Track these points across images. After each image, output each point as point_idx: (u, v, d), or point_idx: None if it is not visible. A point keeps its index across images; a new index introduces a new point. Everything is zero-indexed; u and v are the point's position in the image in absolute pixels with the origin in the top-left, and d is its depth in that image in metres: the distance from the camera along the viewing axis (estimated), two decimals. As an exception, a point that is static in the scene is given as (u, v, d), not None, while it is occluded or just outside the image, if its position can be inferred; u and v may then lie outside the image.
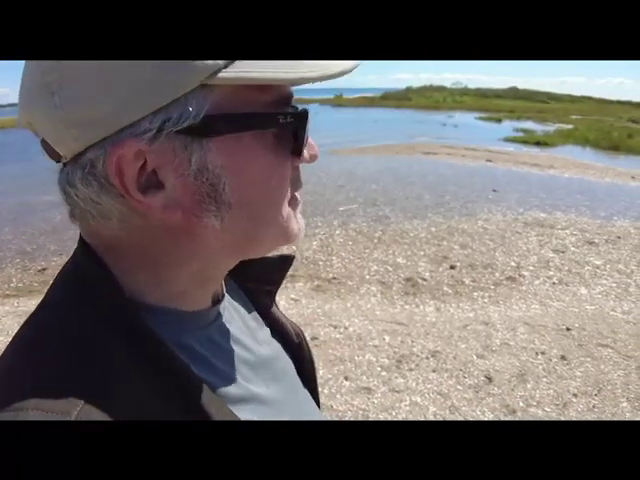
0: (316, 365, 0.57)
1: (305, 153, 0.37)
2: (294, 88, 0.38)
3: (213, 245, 0.35)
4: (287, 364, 0.51)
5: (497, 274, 4.30)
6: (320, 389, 2.22)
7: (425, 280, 4.23)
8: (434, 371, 2.79)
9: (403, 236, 5.42)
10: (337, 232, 5.64)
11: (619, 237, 5.35)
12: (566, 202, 6.86)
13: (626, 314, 3.58)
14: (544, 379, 2.71)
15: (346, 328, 3.38)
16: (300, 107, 0.37)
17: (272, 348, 0.49)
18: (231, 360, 0.40)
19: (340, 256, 4.90)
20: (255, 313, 0.51)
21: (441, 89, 45.23)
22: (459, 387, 2.64)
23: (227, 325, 0.43)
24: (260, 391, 0.41)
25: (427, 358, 2.93)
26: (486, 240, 5.19)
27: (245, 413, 0.37)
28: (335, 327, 3.42)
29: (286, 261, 0.52)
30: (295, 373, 0.51)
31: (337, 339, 3.22)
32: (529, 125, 17.85)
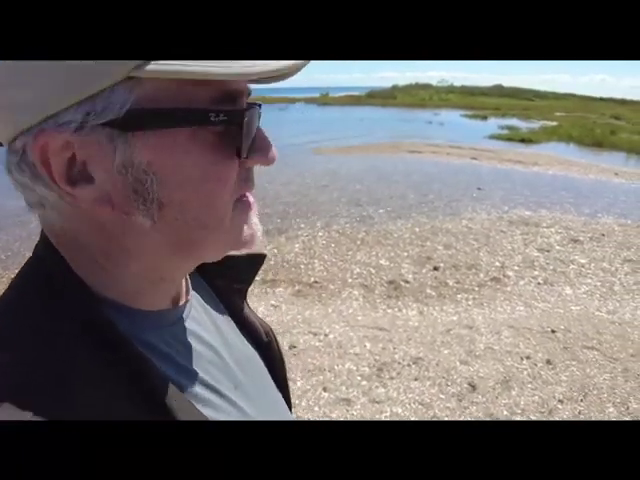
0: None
1: (261, 155, 0.36)
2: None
3: (146, 245, 0.34)
4: (257, 364, 0.50)
5: (481, 275, 4.22)
6: (298, 401, 2.04)
7: (408, 282, 4.12)
8: (416, 379, 2.68)
9: (387, 237, 5.31)
10: (320, 234, 5.51)
11: (603, 235, 5.32)
12: (551, 199, 6.84)
13: (611, 314, 3.52)
14: (529, 385, 2.61)
15: (326, 335, 3.25)
16: (252, 105, 0.35)
17: (242, 348, 0.48)
18: (198, 360, 0.39)
19: (322, 259, 4.77)
20: (225, 313, 0.50)
21: (427, 87, 45.41)
22: (442, 396, 2.53)
23: (194, 325, 0.41)
24: (229, 393, 0.40)
25: (409, 365, 2.82)
26: (470, 240, 5.11)
27: (214, 413, 0.37)
28: (315, 334, 3.28)
29: (256, 260, 0.51)
30: (266, 373, 0.50)
31: (317, 347, 3.09)
32: (514, 122, 17.95)
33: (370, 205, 6.67)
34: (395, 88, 44.95)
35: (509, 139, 13.20)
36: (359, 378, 2.72)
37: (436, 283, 4.08)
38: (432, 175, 8.55)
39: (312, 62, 0.34)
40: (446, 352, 2.94)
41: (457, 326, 3.29)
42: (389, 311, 3.63)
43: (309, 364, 2.88)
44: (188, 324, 0.41)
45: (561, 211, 6.26)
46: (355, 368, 2.82)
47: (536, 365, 2.79)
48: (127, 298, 0.36)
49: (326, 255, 4.86)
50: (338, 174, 8.84)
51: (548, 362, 2.81)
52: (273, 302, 3.91)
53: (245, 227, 0.37)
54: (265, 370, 0.51)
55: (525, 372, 2.73)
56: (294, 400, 2.53)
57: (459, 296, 3.82)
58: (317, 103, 34.45)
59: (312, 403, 2.51)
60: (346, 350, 3.03)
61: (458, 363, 2.82)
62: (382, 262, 4.61)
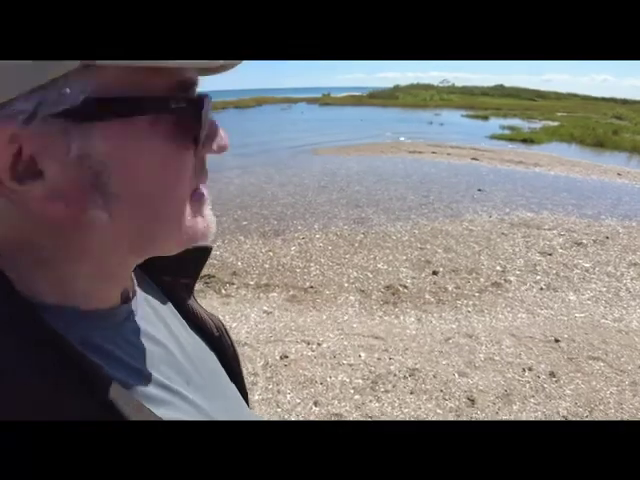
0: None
1: (214, 143, 0.35)
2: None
3: (104, 241, 0.32)
4: (208, 358, 0.49)
5: (482, 279, 4.08)
6: (287, 416, 1.89)
7: (406, 287, 3.98)
8: (412, 393, 2.54)
9: (385, 239, 5.18)
10: (317, 236, 5.38)
11: (607, 237, 5.17)
12: (553, 201, 6.70)
13: (617, 322, 3.38)
14: (531, 399, 2.47)
15: (319, 344, 3.12)
16: (206, 95, 0.34)
17: (191, 343, 0.46)
18: (147, 358, 0.38)
19: (319, 262, 4.64)
20: (172, 308, 0.49)
21: (428, 87, 45.17)
22: (439, 411, 2.39)
23: (142, 323, 0.40)
24: (181, 389, 0.39)
25: (405, 377, 2.68)
26: (471, 243, 4.97)
27: (166, 411, 0.35)
28: (308, 343, 3.15)
29: (203, 253, 0.50)
30: (218, 367, 0.50)
31: (309, 357, 2.96)
32: (515, 122, 17.76)
33: (369, 206, 6.54)
34: (396, 88, 44.79)
35: (511, 139, 13.04)
36: (352, 391, 2.59)
37: (435, 288, 3.94)
38: (432, 176, 8.42)
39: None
40: (444, 363, 2.81)
41: (456, 335, 3.15)
42: (386, 318, 3.49)
43: (300, 375, 2.75)
44: (136, 321, 0.40)
45: (563, 213, 6.11)
46: (348, 380, 2.69)
47: (539, 377, 2.65)
48: (75, 298, 0.34)
49: (322, 258, 4.72)
50: (337, 175, 8.71)
51: (551, 374, 2.68)
52: (266, 308, 3.78)
53: (200, 220, 0.36)
54: (217, 364, 0.50)
55: (527, 385, 2.59)
56: (283, 415, 2.40)
57: (459, 302, 3.69)
58: (318, 103, 34.31)
59: (302, 418, 2.37)
60: (340, 361, 2.90)
61: (456, 375, 2.68)
62: (380, 266, 4.47)
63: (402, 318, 3.47)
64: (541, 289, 3.91)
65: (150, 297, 0.45)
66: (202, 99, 0.33)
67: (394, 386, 2.61)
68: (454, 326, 3.30)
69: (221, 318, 0.55)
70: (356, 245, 5.05)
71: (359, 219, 5.98)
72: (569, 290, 3.90)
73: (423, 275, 4.20)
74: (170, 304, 0.48)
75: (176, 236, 0.35)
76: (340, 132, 15.07)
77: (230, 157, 10.66)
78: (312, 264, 4.61)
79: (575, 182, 7.99)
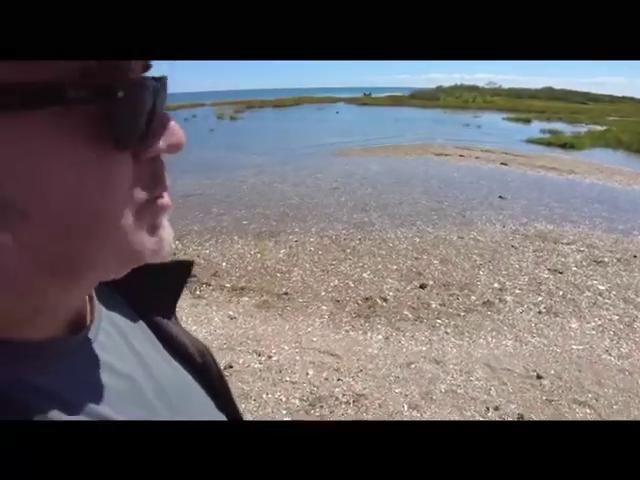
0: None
1: (162, 142, 0.28)
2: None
3: (10, 267, 0.26)
4: (188, 389, 0.43)
5: (473, 297, 3.66)
6: None
7: (386, 301, 3.65)
8: (350, 425, 2.24)
9: (380, 246, 4.84)
10: (311, 240, 5.13)
11: (635, 256, 4.55)
12: (580, 212, 6.04)
13: (622, 359, 2.88)
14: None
15: (270, 357, 2.88)
16: (142, 80, 0.27)
17: (167, 373, 0.41)
18: (101, 393, 0.32)
19: (303, 267, 4.39)
20: (148, 333, 0.43)
21: (472, 89, 43.30)
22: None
23: (102, 352, 0.34)
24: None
25: (347, 403, 2.39)
26: (473, 255, 4.53)
27: None
28: (259, 355, 2.92)
29: (183, 269, 0.45)
30: (200, 398, 0.44)
31: (254, 370, 2.73)
32: (559, 126, 16.52)
33: (376, 210, 6.20)
34: (439, 89, 43.34)
35: (549, 143, 12.10)
36: (284, 412, 2.33)
37: (417, 304, 3.58)
38: (453, 180, 7.91)
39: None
40: (397, 391, 2.48)
41: (422, 359, 2.80)
42: (352, 333, 3.19)
43: (238, 389, 2.53)
44: (93, 351, 0.34)
45: (589, 226, 5.48)
46: (285, 399, 2.43)
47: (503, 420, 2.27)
48: (4, 330, 0.28)
49: (308, 263, 4.47)
50: (354, 176, 8.40)
51: (520, 418, 2.28)
52: (232, 313, 3.59)
53: (147, 237, 0.29)
54: (198, 393, 0.44)
55: (488, 428, 2.21)
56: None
57: (438, 321, 3.31)
58: (357, 103, 33.89)
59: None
60: (284, 377, 2.64)
61: (406, 407, 2.35)
62: (365, 275, 4.15)
63: (369, 335, 3.15)
64: (539, 313, 3.44)
65: (120, 321, 0.40)
66: (119, 84, 0.25)
67: (331, 412, 2.32)
68: (424, 348, 2.94)
69: (204, 342, 0.49)
70: (348, 251, 4.75)
71: (360, 223, 5.66)
72: (572, 316, 3.41)
73: (409, 288, 3.84)
74: (146, 328, 0.43)
75: (113, 256, 0.29)
76: (370, 132, 14.70)
77: (251, 156, 10.66)
78: (296, 269, 4.37)
79: (612, 192, 7.20)
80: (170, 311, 0.46)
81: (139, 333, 0.41)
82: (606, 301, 3.66)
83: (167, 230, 0.31)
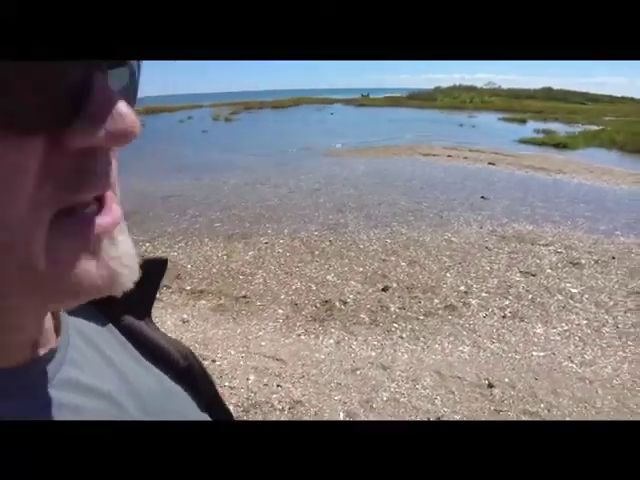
0: None
1: (100, 127, 0.21)
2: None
3: None
4: (171, 396, 0.40)
5: (436, 301, 3.51)
6: None
7: (345, 304, 3.50)
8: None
9: (350, 248, 4.69)
10: (281, 241, 4.99)
11: (614, 257, 4.38)
12: (564, 212, 5.88)
13: (584, 366, 2.72)
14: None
15: (214, 361, 2.74)
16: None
17: (147, 382, 0.37)
18: (76, 416, 0.28)
19: (268, 270, 4.25)
20: (122, 339, 0.39)
21: (470, 89, 43.01)
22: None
23: (74, 371, 0.30)
24: None
25: (282, 410, 2.24)
26: (444, 257, 4.37)
27: None
28: (203, 359, 2.76)
29: (157, 267, 0.41)
30: (185, 402, 0.41)
31: (192, 379, 2.58)
32: (555, 126, 16.31)
33: (352, 212, 6.05)
34: (437, 90, 43.13)
35: (542, 143, 11.91)
36: (212, 427, 2.18)
37: (376, 307, 3.43)
38: (437, 181, 7.76)
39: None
40: (337, 398, 2.33)
41: (370, 365, 2.64)
42: (303, 338, 3.04)
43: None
44: (63, 372, 0.29)
45: (571, 227, 5.31)
46: (216, 412, 2.28)
47: (444, 433, 2.11)
48: None
49: (273, 266, 4.33)
50: (337, 177, 8.27)
51: (461, 430, 2.12)
52: (185, 316, 3.45)
53: (82, 261, 0.22)
54: (184, 398, 0.41)
55: (425, 442, 2.06)
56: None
57: (395, 325, 3.15)
58: (355, 104, 33.77)
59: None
60: (223, 382, 2.50)
61: (342, 415, 2.19)
62: (329, 277, 4.01)
63: (321, 339, 3.00)
64: (503, 317, 3.28)
65: (88, 330, 0.35)
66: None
67: (264, 419, 2.18)
68: (374, 354, 2.79)
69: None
70: (316, 253, 4.61)
71: (335, 225, 5.52)
72: (538, 321, 3.24)
73: (371, 291, 3.69)
74: (118, 334, 0.39)
75: (27, 290, 0.22)
76: (363, 133, 14.57)
77: (239, 157, 10.54)
78: (260, 271, 4.23)
79: (599, 192, 7.02)
80: (145, 314, 0.42)
81: (111, 340, 0.37)
82: (577, 305, 3.49)
83: (120, 255, 0.24)
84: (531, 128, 15.97)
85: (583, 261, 4.29)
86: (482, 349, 2.87)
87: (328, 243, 4.88)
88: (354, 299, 3.56)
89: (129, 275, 0.25)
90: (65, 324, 0.32)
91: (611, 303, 3.52)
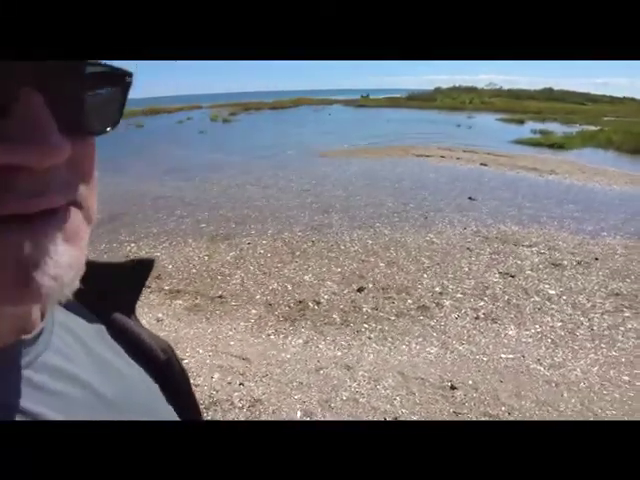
0: None
1: (17, 149, 0.21)
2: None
3: None
4: (146, 389, 0.41)
5: (410, 301, 3.48)
6: None
7: (319, 304, 3.48)
8: (231, 439, 2.08)
9: (331, 249, 4.67)
10: (264, 242, 4.98)
11: (597, 258, 4.34)
12: (551, 213, 5.83)
13: (552, 369, 2.68)
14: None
15: (182, 360, 2.71)
16: None
17: (127, 374, 0.38)
18: (57, 402, 0.29)
19: (247, 270, 4.24)
20: (105, 334, 0.40)
21: (470, 90, 42.91)
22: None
23: (57, 359, 0.31)
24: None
25: (241, 408, 2.22)
26: (423, 257, 4.34)
27: None
28: (168, 362, 2.76)
29: (143, 267, 0.43)
30: (160, 396, 0.42)
31: (154, 380, 2.57)
32: (553, 127, 16.23)
33: (338, 212, 6.03)
34: (437, 90, 43.03)
35: (538, 144, 11.84)
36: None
37: (349, 307, 3.40)
38: (427, 181, 7.72)
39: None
40: (296, 397, 2.31)
41: (334, 364, 2.62)
42: (272, 337, 3.02)
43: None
44: (45, 357, 0.30)
45: (557, 227, 5.26)
46: (173, 413, 2.27)
47: (399, 435, 2.09)
48: None
49: (252, 266, 4.32)
50: (328, 178, 8.25)
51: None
52: (160, 315, 3.44)
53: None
54: (157, 394, 0.42)
55: (379, 444, 2.04)
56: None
57: (365, 325, 3.13)
58: (354, 105, 33.74)
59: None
60: (185, 384, 2.49)
61: (300, 414, 2.17)
62: (307, 278, 3.99)
63: (290, 339, 2.98)
64: (476, 318, 3.25)
65: (73, 323, 0.36)
66: None
67: (223, 417, 2.16)
68: (339, 353, 2.76)
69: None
70: (297, 254, 4.59)
71: (319, 225, 5.50)
72: (512, 323, 3.21)
73: (346, 291, 3.67)
74: (103, 328, 0.40)
75: None
76: (361, 133, 14.55)
77: (233, 158, 10.54)
78: (239, 272, 4.22)
79: (589, 192, 6.96)
80: (130, 310, 0.44)
81: (95, 334, 0.38)
82: (553, 306, 3.46)
83: (48, 267, 0.23)
84: (529, 129, 15.90)
85: (565, 262, 4.25)
86: (450, 350, 2.84)
87: (310, 244, 4.86)
88: (328, 299, 3.54)
89: (56, 287, 0.24)
90: (50, 314, 0.33)
91: (589, 305, 3.48)
